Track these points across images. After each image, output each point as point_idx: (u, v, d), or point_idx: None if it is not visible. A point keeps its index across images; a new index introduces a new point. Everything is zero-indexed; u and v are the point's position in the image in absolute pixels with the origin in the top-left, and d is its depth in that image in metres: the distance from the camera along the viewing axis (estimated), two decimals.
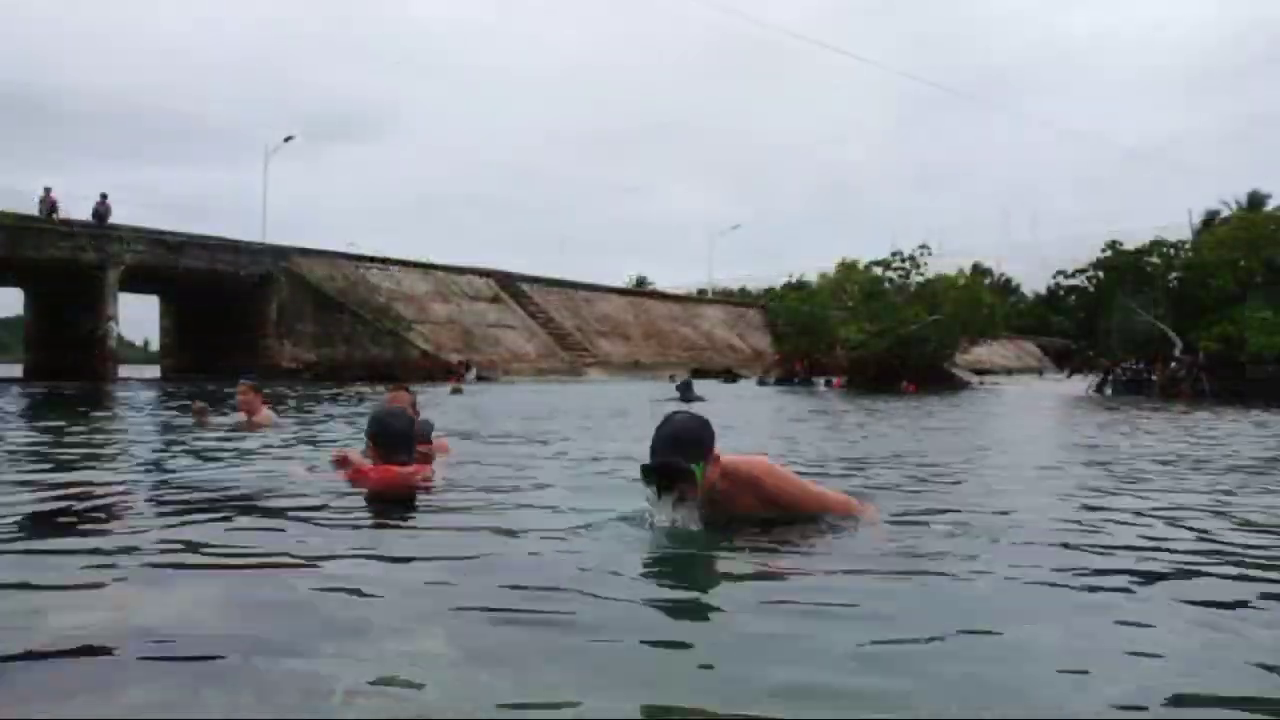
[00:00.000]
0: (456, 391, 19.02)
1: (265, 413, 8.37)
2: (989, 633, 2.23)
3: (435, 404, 13.52)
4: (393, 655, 2.01)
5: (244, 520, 3.62)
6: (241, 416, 8.14)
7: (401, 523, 3.70)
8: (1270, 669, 2.00)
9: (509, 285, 41.03)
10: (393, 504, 4.08)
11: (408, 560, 2.95)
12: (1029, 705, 1.79)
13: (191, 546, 3.10)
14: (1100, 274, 25.82)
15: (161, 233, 29.77)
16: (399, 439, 4.53)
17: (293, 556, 2.98)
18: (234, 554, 2.99)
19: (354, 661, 1.97)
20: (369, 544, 3.23)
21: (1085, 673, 1.94)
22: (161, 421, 10.40)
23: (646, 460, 3.11)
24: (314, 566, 2.84)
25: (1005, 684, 1.89)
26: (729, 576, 2.76)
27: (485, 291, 39.40)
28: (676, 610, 2.44)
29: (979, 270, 60.17)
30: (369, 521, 3.72)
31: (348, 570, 2.80)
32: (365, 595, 2.49)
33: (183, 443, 7.06)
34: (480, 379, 30.53)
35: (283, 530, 3.43)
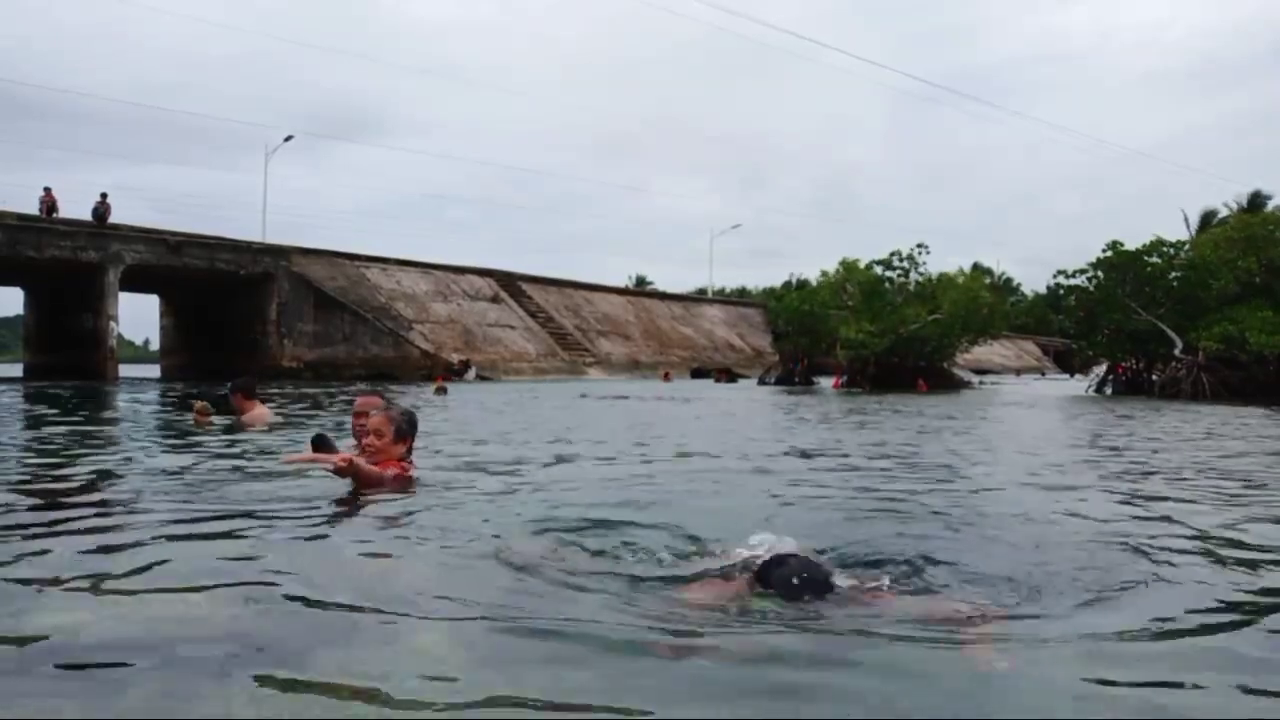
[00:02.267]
0: (441, 392, 18.45)
1: (258, 411, 8.42)
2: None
3: (417, 406, 13.50)
4: (391, 656, 2.01)
5: (240, 521, 3.61)
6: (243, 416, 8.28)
7: (393, 522, 3.68)
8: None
9: (509, 285, 41.01)
10: (385, 503, 4.07)
11: (402, 559, 2.95)
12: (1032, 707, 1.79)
13: (188, 547, 3.10)
14: (1100, 274, 25.80)
15: (161, 232, 29.74)
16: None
17: (290, 556, 2.97)
18: (231, 554, 2.99)
19: (352, 662, 1.97)
20: (365, 542, 3.22)
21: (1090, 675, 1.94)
22: (159, 421, 10.39)
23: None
24: (311, 566, 2.84)
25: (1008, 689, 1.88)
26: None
27: (485, 291, 39.38)
28: (674, 611, 2.43)
29: (979, 270, 60.15)
30: (364, 520, 3.71)
31: (345, 570, 2.80)
32: (363, 596, 2.49)
33: (179, 443, 7.06)
34: (480, 378, 30.53)
35: (279, 531, 3.43)
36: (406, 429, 4.52)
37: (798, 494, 4.75)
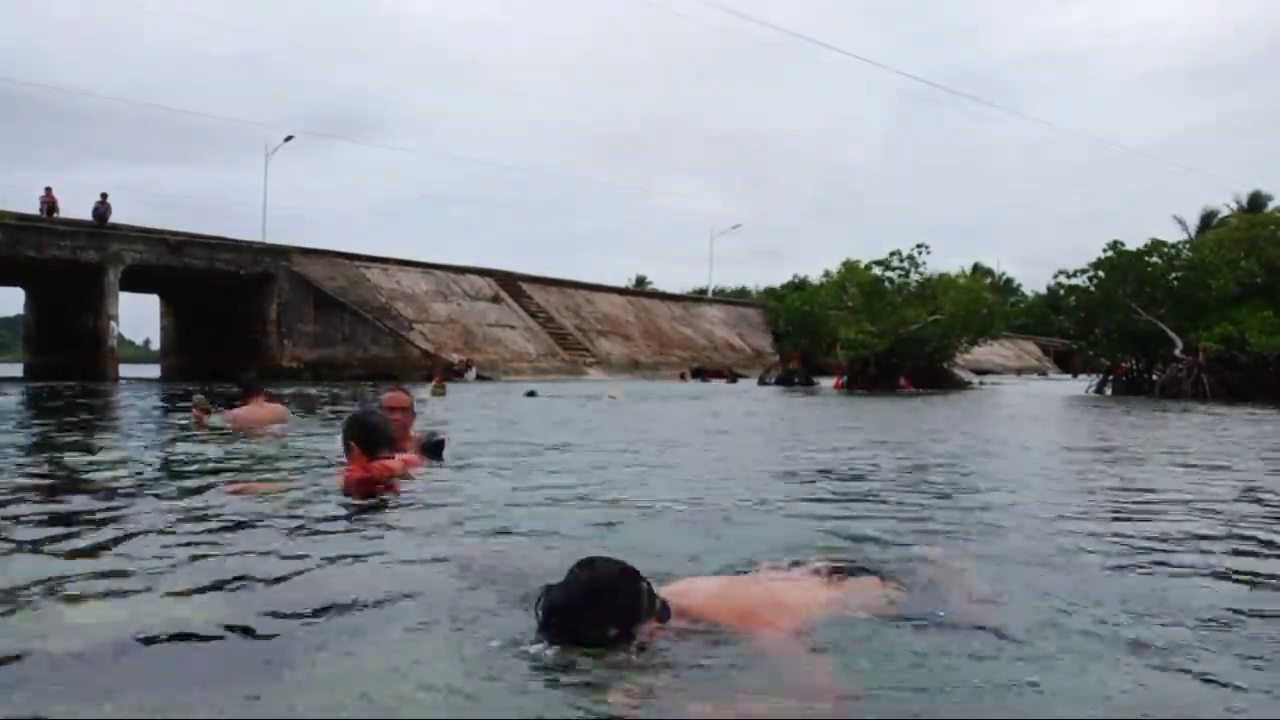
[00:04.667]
0: (439, 393, 18.28)
1: (256, 413, 8.42)
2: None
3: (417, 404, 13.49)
4: (389, 656, 2.01)
5: (238, 521, 3.61)
6: (236, 416, 8.30)
7: (388, 522, 3.68)
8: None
9: (509, 285, 41.00)
10: (378, 502, 4.07)
11: (399, 559, 2.95)
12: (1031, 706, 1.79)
13: (187, 549, 3.10)
14: (1100, 274, 25.78)
15: (162, 232, 29.74)
16: (381, 435, 4.52)
17: (286, 559, 2.97)
18: (229, 556, 2.99)
19: (350, 663, 1.96)
20: (362, 544, 3.22)
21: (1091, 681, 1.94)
22: (158, 421, 10.39)
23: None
24: (307, 568, 2.84)
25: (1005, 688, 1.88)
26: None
27: (485, 291, 39.37)
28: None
29: (979, 270, 60.17)
30: (359, 522, 3.71)
31: (341, 571, 2.80)
32: (359, 596, 2.49)
33: (175, 444, 7.06)
34: (480, 378, 30.53)
35: (275, 532, 3.43)
36: (353, 433, 4.50)
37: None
